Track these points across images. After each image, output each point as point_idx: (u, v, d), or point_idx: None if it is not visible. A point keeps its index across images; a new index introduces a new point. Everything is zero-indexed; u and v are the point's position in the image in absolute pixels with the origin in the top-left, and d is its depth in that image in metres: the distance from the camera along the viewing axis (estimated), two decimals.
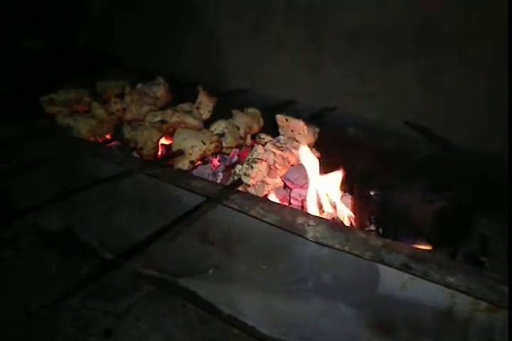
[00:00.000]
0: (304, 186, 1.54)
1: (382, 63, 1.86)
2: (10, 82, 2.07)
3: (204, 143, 1.45)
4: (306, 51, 2.05)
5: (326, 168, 1.61)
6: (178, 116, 1.64)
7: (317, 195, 1.44)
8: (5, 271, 1.62)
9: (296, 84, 2.13)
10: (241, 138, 1.65)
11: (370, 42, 1.86)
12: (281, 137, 1.57)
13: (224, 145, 1.57)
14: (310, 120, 1.64)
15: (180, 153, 1.43)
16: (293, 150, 1.49)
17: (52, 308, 1.44)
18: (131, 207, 1.48)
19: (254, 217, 1.14)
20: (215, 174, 1.64)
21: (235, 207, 1.18)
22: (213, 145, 1.48)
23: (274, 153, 1.42)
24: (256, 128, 1.74)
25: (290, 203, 1.56)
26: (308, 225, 1.10)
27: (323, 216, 1.39)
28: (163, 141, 1.63)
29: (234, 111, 1.69)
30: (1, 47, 2.19)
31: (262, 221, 1.13)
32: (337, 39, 1.94)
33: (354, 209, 1.45)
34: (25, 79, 2.17)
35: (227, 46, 2.29)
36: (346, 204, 1.48)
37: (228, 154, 1.66)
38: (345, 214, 1.42)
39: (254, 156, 1.37)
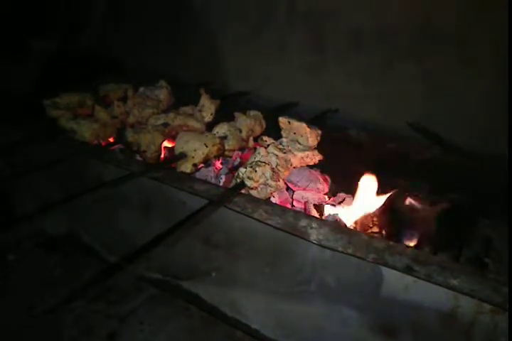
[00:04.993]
0: (306, 188, 1.54)
1: (383, 64, 1.86)
2: (24, 85, 2.08)
3: (207, 146, 1.45)
4: (307, 52, 2.06)
5: (330, 169, 1.62)
6: (180, 119, 1.64)
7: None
8: (9, 274, 1.62)
9: (298, 85, 2.13)
10: (243, 140, 1.65)
11: (372, 43, 1.86)
12: (283, 139, 1.57)
13: (226, 147, 1.57)
14: (312, 122, 1.64)
15: (183, 156, 1.43)
16: (295, 153, 1.49)
17: (56, 312, 1.45)
18: (134, 210, 1.48)
19: (256, 219, 1.14)
20: (217, 177, 1.64)
21: (238, 209, 1.18)
22: (216, 147, 1.48)
23: (277, 156, 1.42)
24: (258, 130, 1.74)
25: (293, 205, 1.56)
26: (311, 228, 1.10)
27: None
28: (166, 144, 1.63)
29: (236, 114, 1.69)
30: (11, 51, 2.20)
31: (265, 223, 1.13)
32: (338, 40, 1.94)
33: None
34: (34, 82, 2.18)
35: (229, 48, 2.29)
36: (349, 206, 1.48)
37: (231, 157, 1.66)
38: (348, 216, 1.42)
39: (257, 159, 1.37)
